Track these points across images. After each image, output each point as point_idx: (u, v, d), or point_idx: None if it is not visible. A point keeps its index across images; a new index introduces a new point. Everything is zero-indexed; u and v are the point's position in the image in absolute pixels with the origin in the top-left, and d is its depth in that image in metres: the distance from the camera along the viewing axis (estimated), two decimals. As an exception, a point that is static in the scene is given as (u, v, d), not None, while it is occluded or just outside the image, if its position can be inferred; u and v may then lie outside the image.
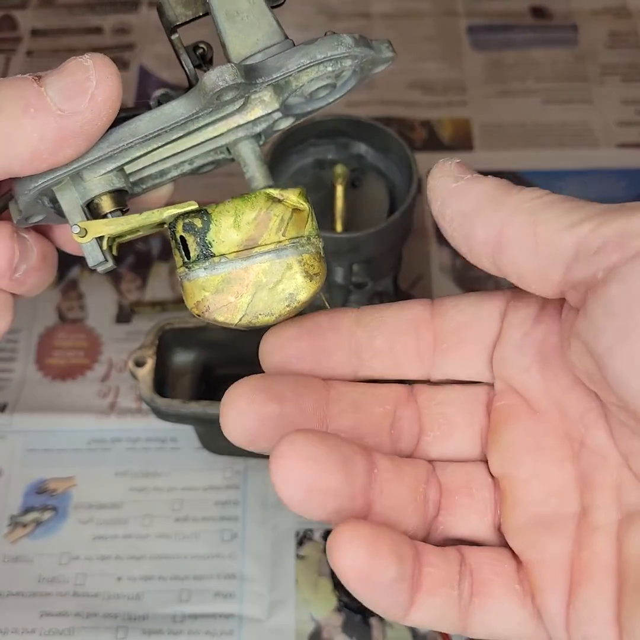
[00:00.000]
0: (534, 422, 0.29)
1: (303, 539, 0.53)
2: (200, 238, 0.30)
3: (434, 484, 0.30)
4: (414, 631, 0.50)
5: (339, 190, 0.49)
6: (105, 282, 0.65)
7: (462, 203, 0.26)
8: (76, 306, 0.64)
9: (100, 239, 0.30)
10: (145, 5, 0.83)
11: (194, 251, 0.30)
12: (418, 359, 0.31)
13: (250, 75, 0.29)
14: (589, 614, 0.26)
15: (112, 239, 0.31)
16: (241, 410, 0.28)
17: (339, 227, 0.50)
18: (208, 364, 0.54)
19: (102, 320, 0.63)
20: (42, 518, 0.54)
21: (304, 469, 0.25)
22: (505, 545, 0.29)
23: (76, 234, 0.30)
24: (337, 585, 0.52)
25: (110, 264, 0.31)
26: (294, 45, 0.30)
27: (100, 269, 0.31)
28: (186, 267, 0.30)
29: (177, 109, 0.29)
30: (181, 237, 0.30)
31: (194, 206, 0.30)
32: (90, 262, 0.30)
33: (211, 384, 0.54)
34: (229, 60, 0.30)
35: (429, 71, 0.78)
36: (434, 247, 0.66)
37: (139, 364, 0.50)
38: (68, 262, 0.66)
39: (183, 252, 0.30)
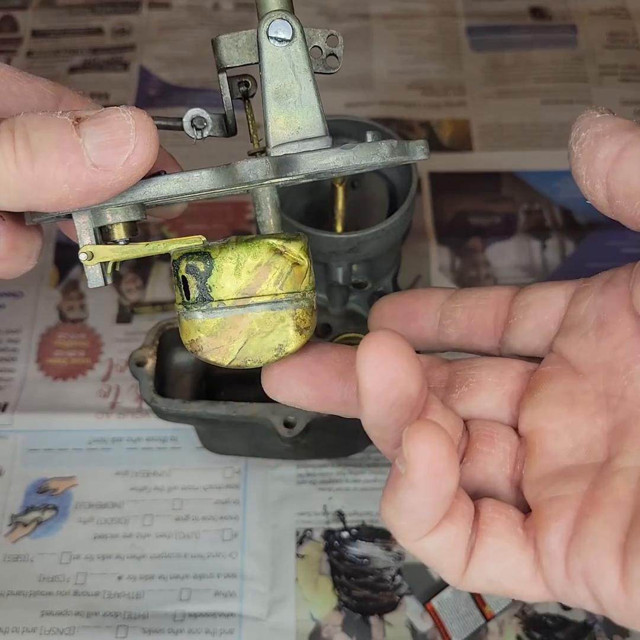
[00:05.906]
0: (575, 381, 0.30)
1: (303, 538, 0.54)
2: (201, 281, 0.30)
3: (464, 432, 0.31)
4: (413, 630, 0.50)
5: (339, 190, 0.49)
6: (105, 282, 0.65)
7: (598, 127, 0.28)
8: (77, 306, 0.64)
9: (105, 262, 0.31)
10: (145, 6, 0.83)
11: (193, 293, 0.31)
12: (492, 333, 0.34)
13: (282, 168, 0.29)
14: (593, 541, 0.26)
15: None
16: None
17: (339, 227, 0.50)
18: (208, 364, 0.54)
19: (102, 320, 0.63)
20: (42, 517, 0.55)
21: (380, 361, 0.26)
22: (517, 503, 0.30)
23: (83, 257, 0.30)
24: (337, 584, 0.52)
25: (107, 283, 0.31)
26: (332, 144, 0.30)
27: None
28: (185, 306, 0.31)
29: (204, 180, 0.29)
30: (183, 276, 0.31)
31: (199, 242, 0.31)
32: (91, 284, 0.31)
33: (211, 384, 0.55)
34: (266, 139, 0.30)
35: (429, 72, 0.78)
36: (434, 247, 0.67)
37: (140, 363, 0.50)
38: (68, 263, 0.66)
39: (183, 291, 0.31)
